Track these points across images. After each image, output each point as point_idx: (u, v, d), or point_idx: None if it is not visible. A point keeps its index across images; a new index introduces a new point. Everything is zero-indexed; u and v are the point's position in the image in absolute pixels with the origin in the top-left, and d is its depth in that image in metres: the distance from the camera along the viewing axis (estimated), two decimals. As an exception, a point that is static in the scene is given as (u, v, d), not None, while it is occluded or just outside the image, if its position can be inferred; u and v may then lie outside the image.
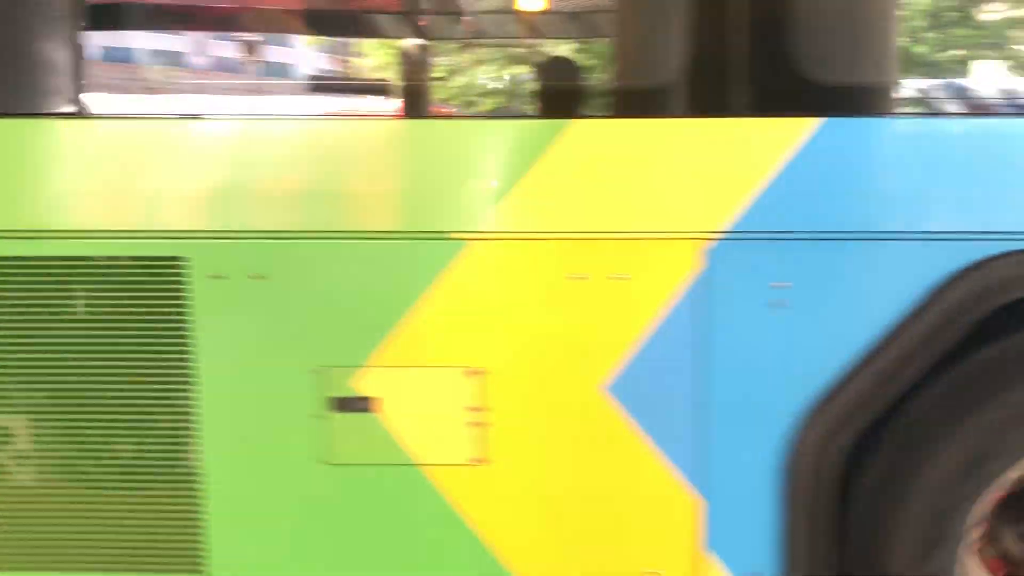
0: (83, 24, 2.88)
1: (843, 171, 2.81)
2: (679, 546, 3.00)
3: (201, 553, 3.00)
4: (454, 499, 3.00)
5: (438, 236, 2.89)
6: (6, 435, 2.97)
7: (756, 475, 2.94)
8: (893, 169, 2.82)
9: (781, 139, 2.84)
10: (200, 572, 3.00)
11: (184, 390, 2.94)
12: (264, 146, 2.90)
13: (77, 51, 2.86)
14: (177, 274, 2.91)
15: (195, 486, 2.97)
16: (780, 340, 2.88)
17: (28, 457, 2.98)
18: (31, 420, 2.97)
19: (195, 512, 2.98)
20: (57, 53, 2.84)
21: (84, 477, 2.97)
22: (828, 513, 2.92)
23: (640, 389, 2.93)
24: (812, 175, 2.83)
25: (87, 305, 2.93)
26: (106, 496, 2.97)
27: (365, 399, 2.96)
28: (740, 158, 2.85)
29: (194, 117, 2.90)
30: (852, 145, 2.82)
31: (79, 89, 2.87)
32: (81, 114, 2.88)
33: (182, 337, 2.91)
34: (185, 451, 2.96)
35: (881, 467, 2.91)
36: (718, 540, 2.98)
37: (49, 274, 2.92)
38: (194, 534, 2.98)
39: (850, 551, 2.95)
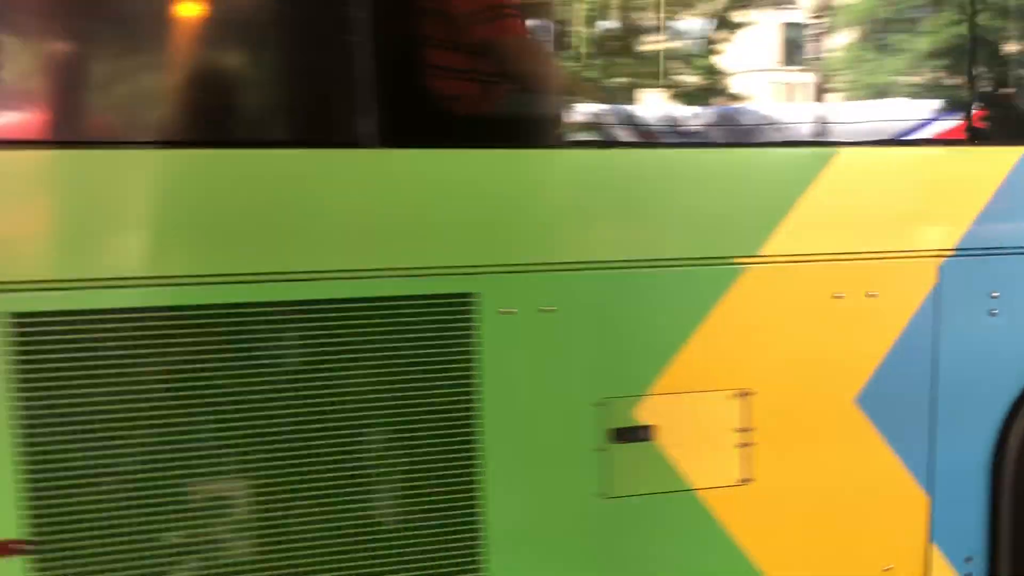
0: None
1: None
2: (911, 541, 3.25)
3: (481, 586, 2.86)
4: (724, 520, 3.08)
5: (721, 262, 2.96)
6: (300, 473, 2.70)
7: (971, 469, 3.26)
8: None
9: (1000, 165, 3.20)
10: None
11: (468, 425, 2.81)
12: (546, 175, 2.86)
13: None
14: (467, 310, 2.78)
15: (476, 519, 2.84)
16: (993, 345, 3.22)
17: (319, 486, 2.72)
18: (321, 451, 2.71)
19: (475, 545, 2.84)
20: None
21: (368, 507, 2.75)
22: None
23: (882, 398, 3.16)
24: (1019, 197, 3.21)
25: (378, 345, 2.73)
26: (389, 528, 2.77)
27: (645, 428, 2.97)
28: (969, 182, 3.18)
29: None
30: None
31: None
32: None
33: (468, 373, 2.79)
34: (467, 485, 2.82)
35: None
36: (940, 532, 3.27)
37: (346, 316, 2.69)
38: (474, 567, 2.84)
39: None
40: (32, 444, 2.40)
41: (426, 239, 2.73)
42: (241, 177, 2.58)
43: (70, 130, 2.55)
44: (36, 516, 2.42)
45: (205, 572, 2.58)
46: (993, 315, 3.22)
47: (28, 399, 2.39)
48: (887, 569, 3.25)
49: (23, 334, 2.37)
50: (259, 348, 2.60)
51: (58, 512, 2.44)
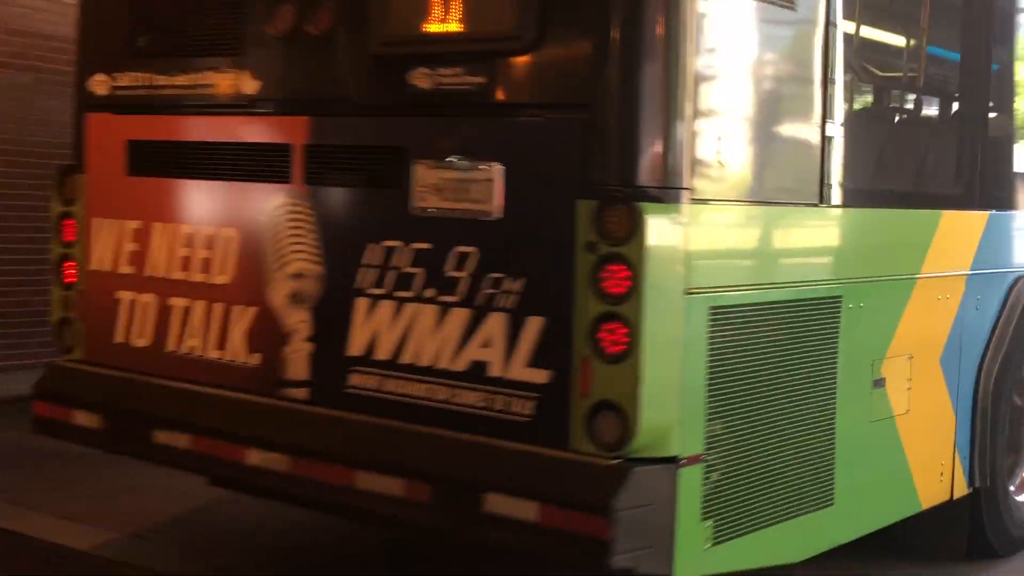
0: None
1: None
2: (949, 448, 4.08)
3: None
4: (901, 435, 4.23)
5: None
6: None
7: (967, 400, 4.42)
8: None
9: None
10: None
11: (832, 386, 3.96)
12: None
13: None
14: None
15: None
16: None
17: None
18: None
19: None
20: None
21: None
22: None
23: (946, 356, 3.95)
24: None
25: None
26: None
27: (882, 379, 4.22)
28: None
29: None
30: None
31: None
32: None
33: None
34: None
35: None
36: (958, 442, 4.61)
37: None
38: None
39: None
40: (715, 393, 3.44)
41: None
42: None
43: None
44: (713, 438, 3.44)
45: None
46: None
47: (716, 365, 3.44)
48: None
49: (717, 320, 3.41)
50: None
51: (724, 438, 3.48)
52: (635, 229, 3.22)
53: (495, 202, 3.48)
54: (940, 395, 4.53)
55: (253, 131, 4.09)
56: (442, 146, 3.57)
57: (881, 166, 4.32)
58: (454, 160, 3.52)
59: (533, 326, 3.43)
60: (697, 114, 3.34)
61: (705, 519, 3.45)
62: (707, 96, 3.37)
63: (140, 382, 4.37)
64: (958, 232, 4.67)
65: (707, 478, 3.45)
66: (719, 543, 3.51)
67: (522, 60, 3.44)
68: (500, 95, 3.50)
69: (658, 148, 3.29)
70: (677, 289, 3.31)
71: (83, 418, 4.48)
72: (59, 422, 4.58)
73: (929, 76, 4.67)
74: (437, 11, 3.57)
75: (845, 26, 3.95)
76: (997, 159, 4.94)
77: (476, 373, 3.54)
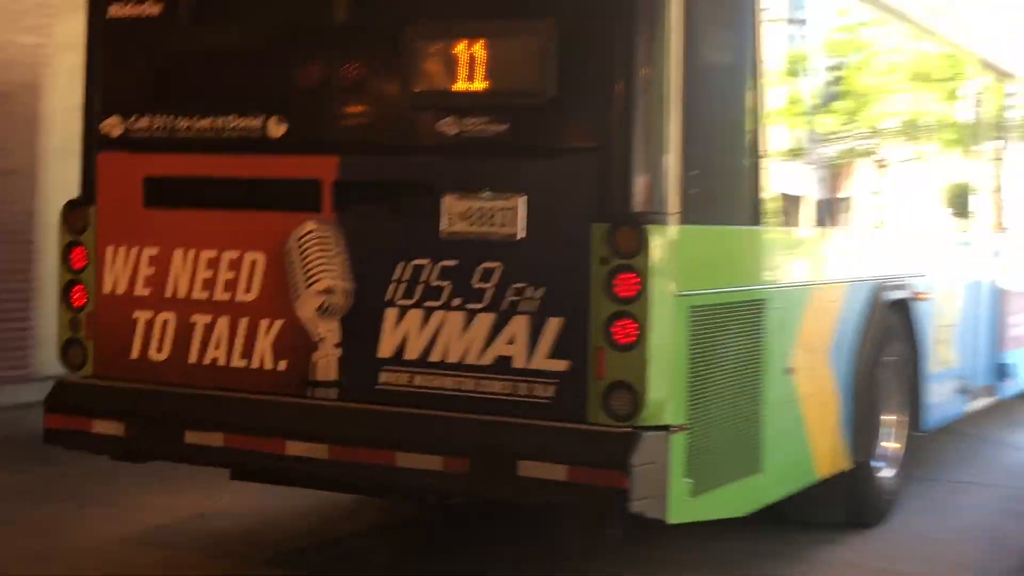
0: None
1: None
2: (835, 426, 5.07)
3: None
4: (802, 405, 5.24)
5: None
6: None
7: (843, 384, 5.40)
8: None
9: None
10: None
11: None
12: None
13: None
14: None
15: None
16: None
17: None
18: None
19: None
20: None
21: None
22: None
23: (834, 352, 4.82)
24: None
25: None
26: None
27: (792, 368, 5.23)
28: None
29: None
30: None
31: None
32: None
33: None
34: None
35: None
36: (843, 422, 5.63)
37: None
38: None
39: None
40: (693, 374, 4.43)
41: None
42: None
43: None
44: (692, 411, 4.40)
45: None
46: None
47: (694, 351, 4.42)
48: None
49: (695, 316, 4.42)
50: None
51: (698, 412, 4.44)
52: (642, 245, 4.16)
53: (519, 226, 4.35)
54: (829, 382, 5.65)
55: (281, 168, 4.80)
56: (469, 182, 4.41)
57: (792, 197, 5.42)
58: (486, 193, 4.37)
59: (553, 325, 4.31)
60: (680, 156, 4.32)
61: (686, 476, 4.40)
62: (686, 142, 4.36)
63: (164, 390, 4.97)
64: (839, 247, 5.85)
65: (688, 443, 4.40)
66: (695, 496, 4.47)
67: (541, 112, 4.33)
68: (522, 140, 4.37)
69: (655, 182, 4.25)
70: (671, 292, 4.27)
71: (104, 427, 5.03)
72: (76, 432, 5.11)
73: (824, 121, 5.80)
74: (464, 73, 4.42)
75: (772, 85, 5.03)
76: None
77: (502, 366, 4.38)
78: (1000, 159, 8.27)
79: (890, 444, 6.46)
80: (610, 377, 4.21)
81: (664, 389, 4.25)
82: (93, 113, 5.20)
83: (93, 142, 5.20)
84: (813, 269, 5.59)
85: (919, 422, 6.70)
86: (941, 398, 7.12)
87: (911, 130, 6.92)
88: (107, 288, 5.14)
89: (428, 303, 4.51)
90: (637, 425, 4.21)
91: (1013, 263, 8.49)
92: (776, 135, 5.17)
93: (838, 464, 5.76)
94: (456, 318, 4.46)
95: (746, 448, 4.90)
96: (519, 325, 4.36)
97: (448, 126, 4.47)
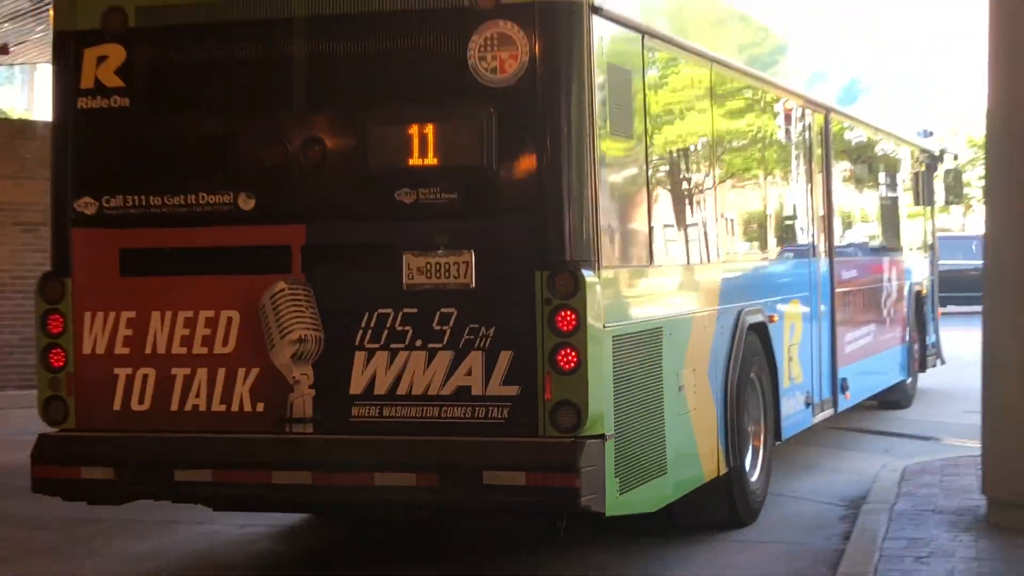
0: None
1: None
2: (715, 435, 6.00)
3: None
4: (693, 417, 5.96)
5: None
6: None
7: (718, 398, 6.09)
8: None
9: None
10: None
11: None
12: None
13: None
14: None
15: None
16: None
17: None
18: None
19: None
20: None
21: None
22: None
23: (711, 368, 5.91)
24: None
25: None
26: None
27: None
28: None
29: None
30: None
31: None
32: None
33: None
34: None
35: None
36: (720, 432, 6.52)
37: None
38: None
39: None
40: (617, 393, 5.43)
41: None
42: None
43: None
44: (617, 423, 5.38)
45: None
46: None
47: (617, 373, 5.44)
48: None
49: (616, 344, 5.44)
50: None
51: (621, 424, 5.43)
52: (577, 287, 5.15)
53: (471, 276, 5.28)
54: (709, 397, 6.73)
55: (253, 236, 5.60)
56: (426, 241, 5.32)
57: (674, 240, 6.49)
58: (441, 251, 5.29)
59: (504, 357, 5.24)
60: (599, 214, 5.34)
61: (616, 477, 5.38)
62: (601, 202, 5.38)
63: (150, 436, 5.67)
64: (711, 280, 6.96)
65: (615, 450, 5.39)
66: (622, 494, 5.46)
67: (486, 182, 5.29)
68: (470, 205, 5.31)
69: (582, 235, 5.25)
70: (600, 325, 5.27)
71: (93, 472, 5.69)
72: (65, 480, 5.75)
73: (694, 180, 6.89)
74: (417, 151, 5.34)
75: (656, 157, 6.12)
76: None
77: (462, 394, 5.28)
78: (829, 192, 9.60)
79: (760, 452, 7.58)
80: (556, 397, 5.17)
81: (599, 405, 5.24)
82: (66, 193, 5.88)
83: (67, 219, 5.87)
84: (694, 300, 6.68)
85: (779, 432, 7.87)
86: (793, 410, 8.32)
87: (758, 181, 8.15)
88: (86, 349, 5.80)
89: (393, 345, 5.38)
90: (579, 436, 5.17)
91: (844, 285, 9.84)
92: (660, 193, 6.27)
93: (719, 468, 6.83)
94: (419, 356, 5.35)
95: (654, 454, 5.92)
96: (475, 359, 5.28)
97: (405, 195, 5.37)
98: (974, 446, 8.07)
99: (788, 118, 8.81)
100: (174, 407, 5.69)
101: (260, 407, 5.57)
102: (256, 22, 5.62)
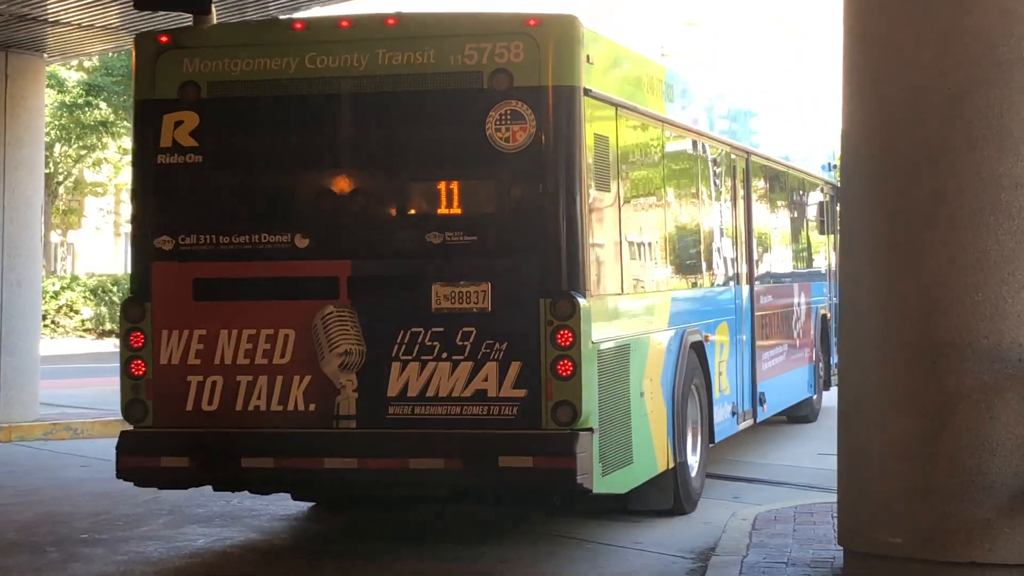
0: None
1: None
2: (665, 437, 7.53)
3: None
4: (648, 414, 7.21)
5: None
6: None
7: (668, 401, 7.63)
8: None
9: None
10: None
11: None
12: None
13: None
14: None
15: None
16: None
17: None
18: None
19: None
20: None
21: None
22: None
23: (663, 376, 7.43)
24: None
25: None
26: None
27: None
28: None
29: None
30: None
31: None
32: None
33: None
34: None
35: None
36: (671, 432, 7.63)
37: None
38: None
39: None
40: (601, 395, 6.92)
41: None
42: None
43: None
44: (599, 420, 6.81)
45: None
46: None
47: (601, 380, 6.86)
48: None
49: (600, 357, 7.01)
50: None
51: (602, 420, 6.74)
52: (574, 311, 6.65)
53: (488, 303, 6.75)
54: (662, 402, 8.24)
55: (307, 270, 6.99)
56: (451, 274, 6.77)
57: (635, 273, 8.02)
58: (463, 282, 6.75)
59: (515, 367, 6.71)
60: (587, 252, 6.86)
61: (599, 462, 6.86)
62: (588, 244, 6.89)
63: (219, 431, 7.01)
64: (663, 305, 8.50)
65: (599, 441, 6.87)
66: (603, 476, 6.95)
67: (499, 227, 6.76)
68: (487, 245, 6.78)
69: (577, 270, 6.76)
70: (589, 342, 6.77)
71: (170, 462, 7.02)
72: (146, 468, 7.07)
73: (646, 220, 8.43)
74: (445, 204, 6.80)
75: (624, 204, 7.66)
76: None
77: (480, 396, 6.73)
78: (750, 226, 11.21)
79: (696, 451, 9.10)
80: (556, 398, 6.65)
81: (589, 404, 6.73)
82: (147, 233, 7.20)
83: (147, 255, 7.19)
84: (651, 322, 8.22)
85: (712, 436, 9.41)
86: (723, 418, 9.89)
87: (696, 218, 9.73)
88: (163, 360, 7.13)
89: (423, 357, 6.82)
90: (574, 428, 6.66)
91: (762, 310, 11.46)
92: (628, 233, 7.82)
93: (668, 462, 8.34)
94: (445, 366, 6.79)
95: (624, 446, 7.42)
96: (491, 368, 6.74)
97: (434, 237, 6.82)
98: (829, 493, 7.71)
99: (717, 162, 10.42)
100: (239, 407, 7.03)
101: (312, 407, 6.95)
102: (310, 95, 7.03)
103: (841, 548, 6.01)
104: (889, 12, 5.50)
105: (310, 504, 8.89)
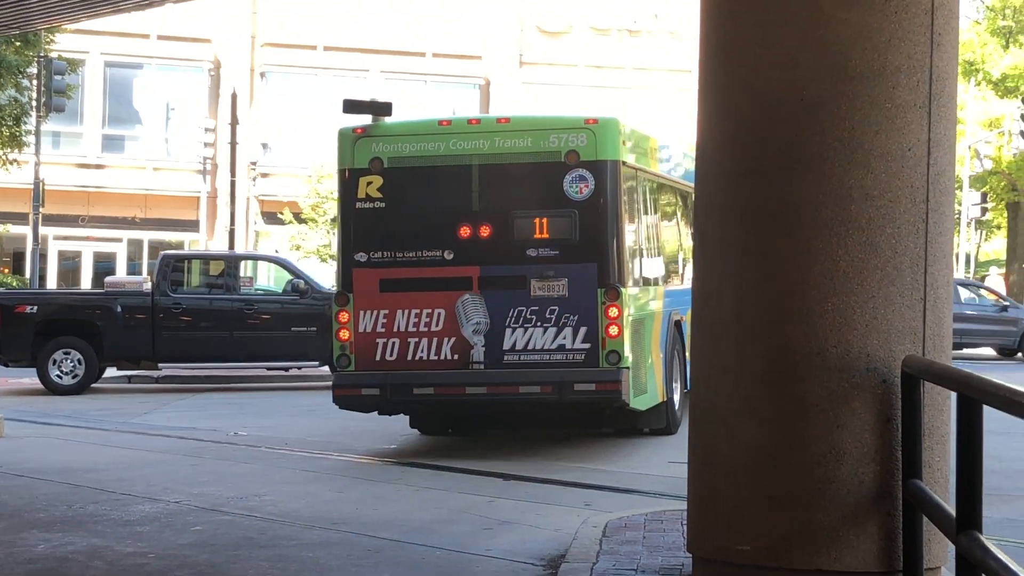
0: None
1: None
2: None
3: None
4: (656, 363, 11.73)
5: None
6: None
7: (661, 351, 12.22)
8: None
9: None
10: None
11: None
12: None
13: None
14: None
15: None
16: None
17: None
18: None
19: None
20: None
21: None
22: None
23: (663, 334, 11.97)
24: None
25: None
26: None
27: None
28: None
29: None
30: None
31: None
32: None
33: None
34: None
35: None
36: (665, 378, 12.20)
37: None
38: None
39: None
40: (632, 348, 11.27)
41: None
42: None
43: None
44: (632, 363, 11.08)
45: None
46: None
47: (631, 339, 10.87)
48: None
49: (632, 324, 10.76)
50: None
51: (634, 363, 11.03)
52: (619, 296, 11.16)
53: (567, 291, 11.20)
54: (659, 356, 12.79)
55: (452, 272, 11.40)
56: (543, 274, 11.20)
57: (647, 273, 12.51)
58: (550, 276, 11.18)
59: (582, 330, 11.21)
60: (624, 260, 11.37)
61: (632, 388, 11.37)
62: (624, 255, 11.41)
63: (399, 372, 11.39)
64: (661, 294, 12.99)
65: (632, 376, 11.38)
66: (634, 397, 11.44)
67: (574, 245, 11.24)
68: (564, 258, 11.25)
69: (619, 272, 11.30)
70: (628, 314, 11.28)
71: (367, 392, 11.41)
72: (353, 396, 11.45)
73: (651, 238, 12.91)
74: (538, 232, 11.24)
75: (640, 229, 12.16)
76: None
77: (560, 347, 11.23)
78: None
79: (677, 392, 13.59)
80: (608, 349, 11.19)
81: (627, 353, 11.25)
82: (349, 250, 11.57)
83: (350, 264, 11.56)
84: (656, 304, 12.72)
85: (686, 384, 13.89)
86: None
87: (674, 235, 14.27)
88: (361, 329, 11.51)
89: (525, 325, 11.26)
90: (619, 367, 11.17)
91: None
92: (642, 247, 12.34)
93: (663, 396, 12.79)
94: (539, 331, 11.26)
95: (643, 381, 11.94)
96: (568, 331, 11.24)
97: (532, 252, 11.27)
98: (680, 500, 7.55)
99: (684, 199, 14.95)
100: (409, 358, 11.44)
101: (456, 357, 11.38)
102: (454, 166, 11.46)
103: (690, 555, 6.01)
104: (745, 24, 5.40)
105: (160, 508, 8.96)
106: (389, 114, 11.58)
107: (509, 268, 11.41)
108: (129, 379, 20.33)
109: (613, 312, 11.15)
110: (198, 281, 20.57)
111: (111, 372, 20.00)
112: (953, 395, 4.33)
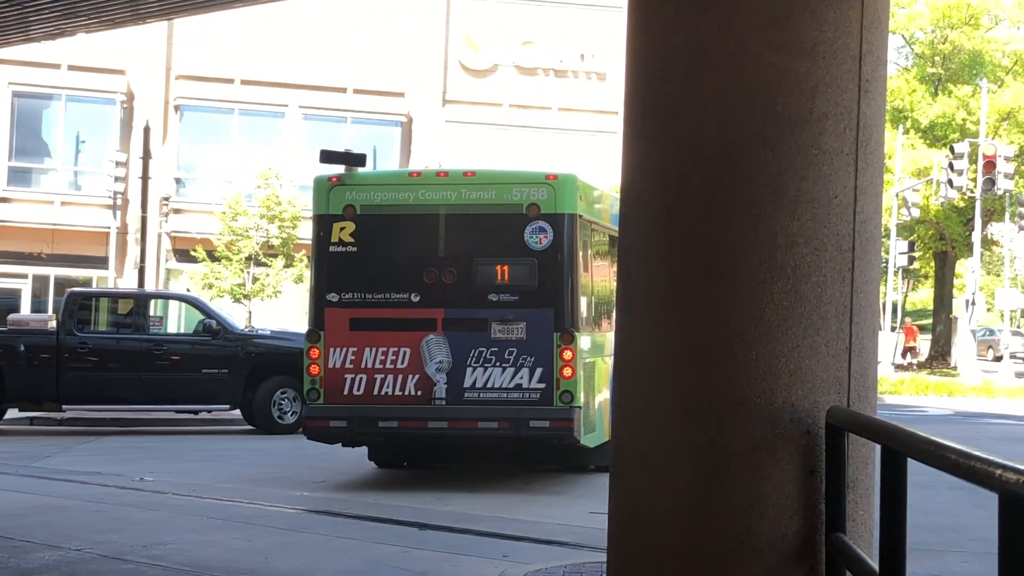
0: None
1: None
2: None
3: None
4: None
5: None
6: None
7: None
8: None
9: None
10: None
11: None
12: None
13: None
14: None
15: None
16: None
17: None
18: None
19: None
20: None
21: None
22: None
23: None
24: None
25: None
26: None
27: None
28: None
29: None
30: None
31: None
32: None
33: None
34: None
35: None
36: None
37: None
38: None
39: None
40: (584, 389, 10.55)
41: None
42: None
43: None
44: (584, 402, 10.06)
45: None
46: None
47: (583, 379, 10.12)
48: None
49: (584, 366, 10.00)
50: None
51: (585, 403, 10.07)
52: (573, 340, 10.46)
53: (525, 335, 10.51)
54: (607, 399, 11.83)
55: (417, 313, 10.71)
56: (502, 318, 10.51)
57: (597, 319, 11.83)
58: (509, 322, 10.50)
59: (539, 370, 10.50)
60: (578, 306, 10.68)
61: (583, 426, 10.66)
62: (578, 302, 10.72)
63: (365, 406, 10.66)
64: (608, 338, 12.28)
65: (583, 415, 10.66)
66: (584, 435, 10.72)
67: (532, 291, 10.56)
68: (524, 302, 10.56)
69: (573, 317, 10.60)
70: (582, 357, 10.57)
71: (335, 424, 10.68)
72: (321, 428, 10.71)
73: (599, 285, 12.24)
74: (499, 278, 10.56)
75: (591, 277, 11.47)
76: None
77: (517, 386, 10.51)
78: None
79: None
80: (562, 389, 10.46)
81: (579, 393, 10.54)
82: (322, 290, 10.89)
83: (322, 303, 10.87)
84: (603, 348, 11.99)
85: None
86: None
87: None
88: (331, 364, 10.80)
89: (485, 365, 10.55)
90: (571, 406, 10.46)
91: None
92: (593, 295, 11.64)
93: (609, 435, 11.99)
94: (498, 370, 10.56)
95: (592, 420, 11.23)
96: (525, 371, 10.53)
97: (493, 296, 10.58)
98: (600, 552, 6.92)
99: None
100: (376, 393, 10.73)
101: (419, 393, 10.68)
102: (423, 215, 10.80)
103: (611, 610, 5.21)
104: (671, 66, 4.72)
105: (60, 556, 7.79)
106: (363, 164, 10.97)
107: (471, 311, 10.74)
108: (31, 421, 17.90)
109: (567, 355, 10.47)
110: (106, 320, 18.20)
111: (12, 414, 17.44)
112: (878, 447, 3.84)
